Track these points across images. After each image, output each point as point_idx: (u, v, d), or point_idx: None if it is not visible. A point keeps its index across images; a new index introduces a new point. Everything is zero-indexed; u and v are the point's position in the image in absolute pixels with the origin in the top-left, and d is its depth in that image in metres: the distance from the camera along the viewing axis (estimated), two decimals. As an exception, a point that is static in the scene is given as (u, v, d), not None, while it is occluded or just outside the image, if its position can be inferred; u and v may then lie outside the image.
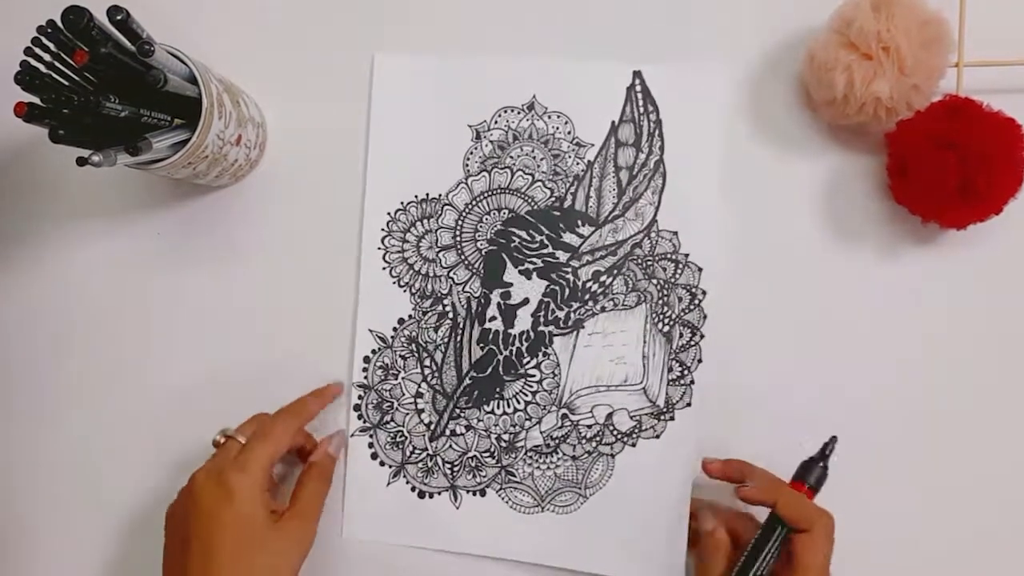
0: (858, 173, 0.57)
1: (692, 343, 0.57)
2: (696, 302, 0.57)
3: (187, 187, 0.60)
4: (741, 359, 0.57)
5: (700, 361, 0.57)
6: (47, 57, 0.46)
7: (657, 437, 0.57)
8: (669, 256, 0.57)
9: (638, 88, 0.58)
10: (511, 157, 0.58)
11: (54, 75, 0.47)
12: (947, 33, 0.52)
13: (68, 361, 0.61)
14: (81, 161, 0.45)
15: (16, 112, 0.45)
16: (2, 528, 0.60)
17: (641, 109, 0.58)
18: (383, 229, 0.58)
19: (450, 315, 0.58)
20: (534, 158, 0.58)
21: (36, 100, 0.45)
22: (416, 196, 0.59)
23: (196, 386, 0.59)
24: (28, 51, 0.46)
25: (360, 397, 0.58)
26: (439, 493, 0.58)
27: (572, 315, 0.58)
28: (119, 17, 0.44)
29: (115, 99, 0.46)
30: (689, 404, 0.57)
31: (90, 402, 0.60)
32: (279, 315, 0.59)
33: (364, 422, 0.58)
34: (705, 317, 0.57)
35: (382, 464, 0.58)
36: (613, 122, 0.58)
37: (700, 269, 0.57)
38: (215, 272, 0.60)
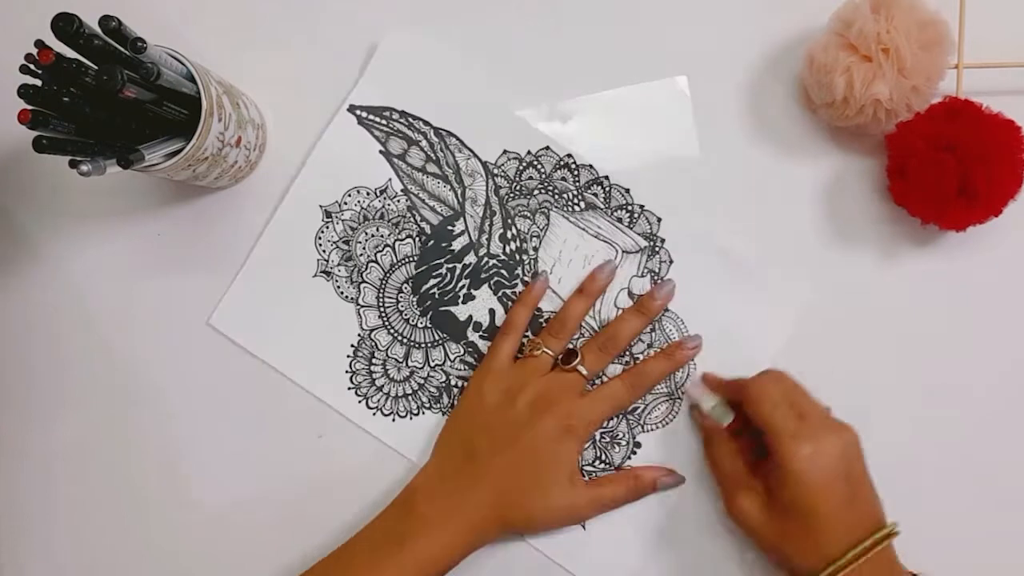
0: (858, 175, 0.57)
1: (607, 187, 0.58)
2: (572, 166, 0.58)
3: (187, 188, 0.59)
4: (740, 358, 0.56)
5: (627, 190, 0.58)
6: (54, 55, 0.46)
7: (672, 262, 0.57)
8: (521, 168, 0.59)
9: (363, 114, 0.59)
10: (359, 256, 0.59)
11: (57, 75, 0.46)
12: (947, 35, 0.52)
13: (67, 362, 0.59)
14: (73, 163, 0.44)
15: (20, 120, 0.44)
16: (2, 528, 0.59)
17: (384, 123, 0.59)
18: (359, 399, 0.58)
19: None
20: (372, 235, 0.59)
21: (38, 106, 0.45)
22: (347, 356, 0.58)
23: (196, 387, 0.58)
24: (24, 68, 0.46)
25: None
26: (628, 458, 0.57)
27: (524, 279, 0.58)
28: (112, 25, 0.44)
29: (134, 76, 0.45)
30: (659, 219, 0.58)
31: (89, 403, 0.59)
32: (280, 315, 0.58)
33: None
34: (591, 166, 0.58)
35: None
36: (380, 151, 0.59)
37: (546, 147, 0.59)
38: (215, 273, 0.59)
